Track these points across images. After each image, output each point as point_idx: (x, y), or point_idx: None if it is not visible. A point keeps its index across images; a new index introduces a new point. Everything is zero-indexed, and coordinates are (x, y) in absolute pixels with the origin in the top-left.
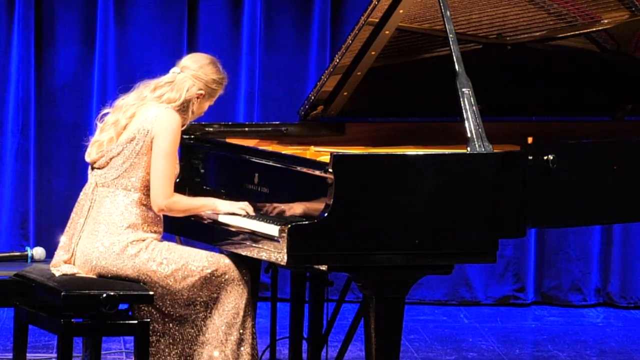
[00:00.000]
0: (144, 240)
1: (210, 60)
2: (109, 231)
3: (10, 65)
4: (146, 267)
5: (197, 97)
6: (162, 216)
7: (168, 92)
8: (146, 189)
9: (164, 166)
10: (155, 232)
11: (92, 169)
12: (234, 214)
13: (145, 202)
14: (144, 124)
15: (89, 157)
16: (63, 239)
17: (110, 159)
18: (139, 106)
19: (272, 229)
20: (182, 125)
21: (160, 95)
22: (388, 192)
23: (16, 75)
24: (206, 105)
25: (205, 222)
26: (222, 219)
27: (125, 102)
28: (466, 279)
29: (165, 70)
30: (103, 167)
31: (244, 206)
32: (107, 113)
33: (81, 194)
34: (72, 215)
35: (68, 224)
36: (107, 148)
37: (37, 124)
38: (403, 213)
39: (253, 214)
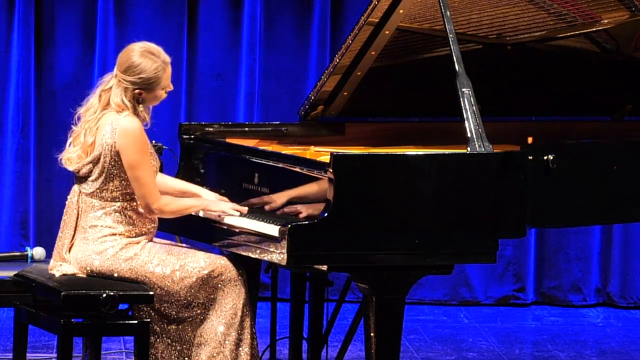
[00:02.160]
0: (138, 243)
1: (139, 54)
2: (99, 240)
3: (10, 65)
4: (144, 268)
5: (140, 94)
6: None
7: (111, 98)
8: (127, 195)
9: (141, 174)
10: (146, 231)
11: (75, 177)
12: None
13: (129, 208)
14: (105, 139)
15: (67, 168)
16: (56, 247)
17: (85, 174)
18: (98, 119)
19: (273, 229)
20: (144, 120)
21: (106, 104)
22: (388, 192)
23: (16, 75)
24: (158, 93)
25: (204, 220)
26: (224, 219)
27: (89, 113)
28: (466, 279)
29: None
30: (82, 178)
31: (236, 207)
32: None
33: (67, 201)
34: (62, 224)
35: (59, 234)
36: (79, 164)
37: (37, 124)
38: (403, 213)
39: (245, 212)
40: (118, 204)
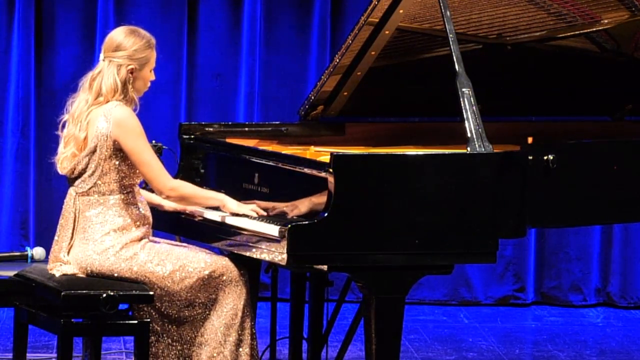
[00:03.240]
0: (138, 242)
1: (126, 33)
2: (99, 239)
3: (10, 65)
4: (144, 268)
5: (132, 73)
6: (148, 208)
7: (103, 82)
8: (124, 188)
9: (145, 157)
10: (144, 224)
11: (69, 180)
12: (244, 215)
13: (127, 201)
14: (100, 130)
15: (60, 171)
16: (52, 250)
17: (80, 172)
18: (89, 113)
19: (272, 229)
20: (134, 104)
21: (99, 90)
22: (388, 192)
23: (16, 75)
24: (147, 74)
25: (201, 221)
26: (224, 219)
27: (78, 110)
28: (466, 279)
29: (164, 70)
30: (77, 179)
31: (254, 208)
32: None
33: (64, 205)
34: (59, 227)
35: (56, 237)
36: (74, 163)
37: (37, 124)
38: (403, 213)
39: (264, 214)
40: (116, 196)
